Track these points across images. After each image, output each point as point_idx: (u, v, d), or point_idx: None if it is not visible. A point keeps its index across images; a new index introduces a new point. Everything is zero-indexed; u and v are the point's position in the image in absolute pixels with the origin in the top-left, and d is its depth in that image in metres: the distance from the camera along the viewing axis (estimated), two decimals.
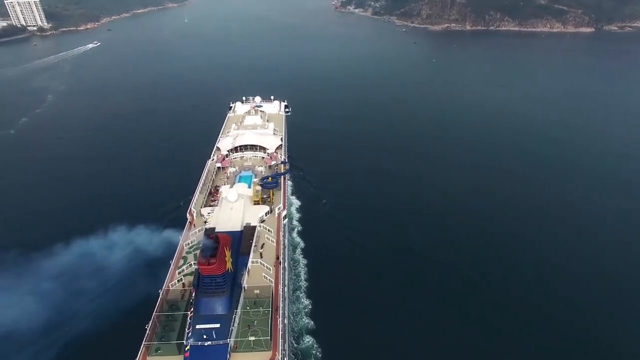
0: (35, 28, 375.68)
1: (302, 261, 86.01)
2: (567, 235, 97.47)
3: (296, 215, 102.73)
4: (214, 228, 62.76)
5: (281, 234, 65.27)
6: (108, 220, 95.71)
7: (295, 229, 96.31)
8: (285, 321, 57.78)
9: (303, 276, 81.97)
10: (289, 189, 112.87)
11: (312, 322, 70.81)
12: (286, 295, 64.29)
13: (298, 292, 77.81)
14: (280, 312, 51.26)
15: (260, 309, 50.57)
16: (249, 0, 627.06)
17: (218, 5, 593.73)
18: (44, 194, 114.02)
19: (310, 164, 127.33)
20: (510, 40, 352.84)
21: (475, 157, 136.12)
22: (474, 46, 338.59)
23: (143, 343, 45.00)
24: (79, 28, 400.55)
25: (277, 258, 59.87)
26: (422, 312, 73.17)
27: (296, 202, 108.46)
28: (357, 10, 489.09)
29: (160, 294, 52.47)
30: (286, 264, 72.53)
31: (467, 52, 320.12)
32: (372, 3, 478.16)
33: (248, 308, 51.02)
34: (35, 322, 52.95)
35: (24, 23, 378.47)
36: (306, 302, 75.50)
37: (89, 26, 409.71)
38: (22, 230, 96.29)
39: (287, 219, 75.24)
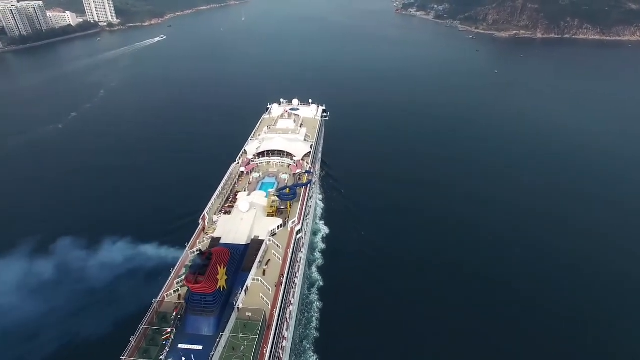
0: (105, 24, 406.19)
1: (317, 304, 77.81)
2: None
3: (320, 245, 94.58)
4: (220, 238, 60.71)
5: (290, 251, 61.52)
6: (126, 219, 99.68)
7: (316, 262, 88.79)
8: (282, 349, 54.06)
9: (314, 323, 73.85)
10: (319, 203, 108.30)
11: None
12: (289, 320, 60.63)
13: (305, 342, 71.44)
14: (271, 339, 47.46)
15: (250, 333, 47.17)
16: (306, 1, 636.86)
17: (278, 4, 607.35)
18: (71, 190, 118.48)
19: (347, 176, 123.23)
20: (589, 50, 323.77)
21: (537, 180, 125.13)
22: (545, 56, 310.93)
23: (121, 358, 43.27)
24: (143, 24, 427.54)
25: (281, 277, 56.16)
26: None
27: (324, 228, 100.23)
28: (418, 13, 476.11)
29: (154, 305, 50.65)
30: (297, 288, 68.98)
31: (535, 62, 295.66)
32: (435, 6, 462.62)
33: (239, 330, 47.85)
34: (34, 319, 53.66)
35: (96, 19, 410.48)
36: (313, 358, 68.36)
37: (153, 22, 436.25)
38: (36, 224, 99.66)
39: (302, 235, 71.38)
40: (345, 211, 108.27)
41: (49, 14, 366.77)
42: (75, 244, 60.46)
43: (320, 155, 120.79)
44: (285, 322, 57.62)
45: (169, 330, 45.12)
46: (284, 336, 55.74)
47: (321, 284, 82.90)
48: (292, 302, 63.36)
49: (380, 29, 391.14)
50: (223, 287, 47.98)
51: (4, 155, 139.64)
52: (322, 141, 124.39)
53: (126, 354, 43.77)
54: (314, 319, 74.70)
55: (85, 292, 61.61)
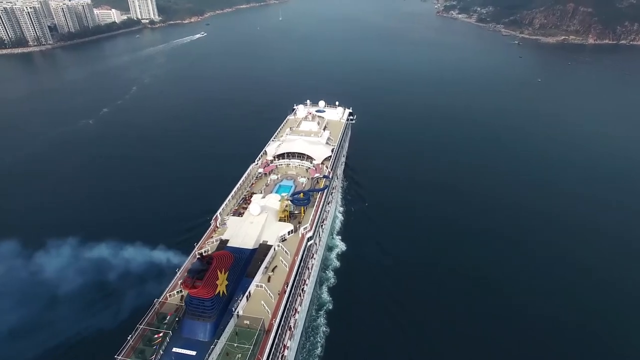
0: (147, 21, 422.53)
1: (324, 329, 73.30)
2: None
3: (334, 262, 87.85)
4: (227, 241, 60.14)
5: (298, 258, 59.95)
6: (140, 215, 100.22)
7: (328, 282, 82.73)
8: (282, 359, 52.53)
9: (319, 350, 69.43)
10: (338, 215, 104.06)
11: None
12: (293, 329, 59.02)
13: (312, 348, 69.11)
14: (268, 348, 46.00)
15: (246, 342, 45.96)
16: (348, 1, 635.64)
17: (317, 4, 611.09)
18: (85, 185, 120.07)
19: (373, 184, 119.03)
20: None
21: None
22: (596, 64, 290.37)
23: (115, 357, 43.20)
24: (183, 21, 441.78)
25: (285, 286, 54.68)
26: None
27: (340, 244, 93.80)
28: (460, 15, 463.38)
29: (156, 304, 50.52)
30: (307, 296, 67.14)
31: (585, 71, 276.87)
32: (478, 9, 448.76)
33: (235, 338, 46.78)
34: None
35: (139, 16, 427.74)
36: None
37: (192, 20, 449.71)
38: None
39: (314, 242, 69.69)
40: (367, 227, 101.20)
41: (96, 11, 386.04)
42: (89, 239, 61.78)
43: (343, 159, 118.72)
44: (289, 332, 56.13)
45: (161, 333, 44.67)
46: (285, 345, 54.21)
47: (330, 307, 77.04)
48: (298, 310, 61.77)
49: (418, 32, 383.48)
50: (223, 292, 47.05)
51: (31, 153, 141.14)
52: (346, 144, 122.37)
53: (122, 354, 43.69)
54: (318, 345, 70.56)
55: (91, 288, 62.79)
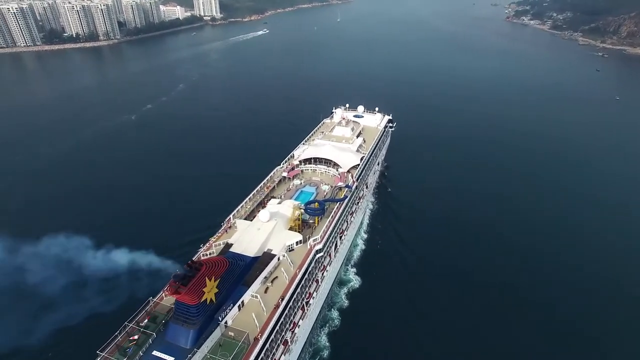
0: (209, 18, 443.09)
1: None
2: None
3: (343, 301, 78.73)
4: (232, 245, 59.48)
5: (301, 271, 57.78)
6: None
7: (330, 323, 74.21)
8: None
9: None
10: (359, 242, 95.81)
11: None
12: (291, 344, 57.02)
13: None
14: None
15: (228, 354, 44.58)
16: (415, 3, 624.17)
17: (380, 6, 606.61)
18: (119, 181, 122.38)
19: (410, 203, 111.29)
20: None
21: None
22: None
23: (97, 352, 43.65)
24: (243, 19, 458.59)
25: (280, 299, 52.79)
26: None
27: (355, 279, 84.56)
28: (532, 22, 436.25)
29: (150, 303, 50.77)
30: (311, 313, 64.76)
31: None
32: (554, 14, 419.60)
33: (218, 349, 45.67)
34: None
35: (202, 13, 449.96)
36: None
37: (252, 18, 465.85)
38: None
39: (324, 255, 67.01)
40: (393, 261, 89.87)
41: (162, 8, 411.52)
42: (103, 237, 64.26)
43: (378, 168, 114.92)
44: (283, 346, 54.23)
45: (137, 336, 44.60)
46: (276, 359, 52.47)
47: (324, 355, 69.53)
48: (299, 324, 59.66)
49: (484, 39, 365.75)
50: (211, 300, 46.18)
51: (73, 145, 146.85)
52: (382, 153, 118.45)
53: (106, 351, 44.11)
54: None
55: (88, 282, 65.23)
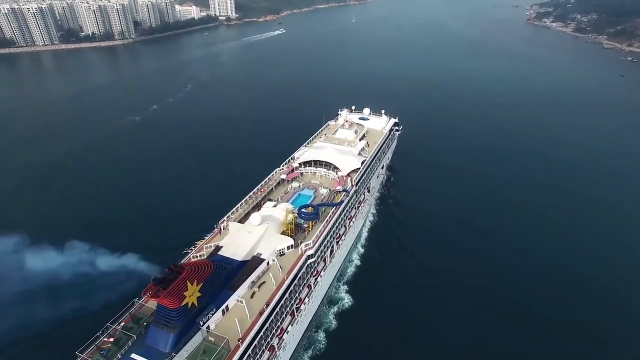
0: (224, 18, 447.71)
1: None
2: None
3: (332, 322, 74.29)
4: (221, 247, 59.30)
5: (290, 277, 57.17)
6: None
7: (315, 346, 70.01)
8: None
9: None
10: (354, 257, 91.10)
11: None
12: (278, 350, 56.45)
13: None
14: None
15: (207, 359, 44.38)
16: (433, 4, 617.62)
17: (397, 7, 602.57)
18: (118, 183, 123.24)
19: (417, 210, 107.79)
20: None
21: None
22: None
23: (76, 353, 43.90)
24: (259, 19, 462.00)
25: (265, 305, 52.23)
26: None
27: (346, 298, 79.82)
28: (554, 24, 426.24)
29: (135, 305, 50.86)
30: (302, 318, 64.03)
31: None
32: (578, 16, 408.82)
33: (197, 354, 45.40)
34: None
35: (217, 13, 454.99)
36: None
37: (268, 18, 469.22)
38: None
39: (316, 260, 66.06)
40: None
41: (177, 7, 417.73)
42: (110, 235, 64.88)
43: (382, 172, 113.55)
44: (268, 352, 53.73)
45: (111, 339, 44.65)
46: None
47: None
48: (287, 330, 59.07)
49: (503, 42, 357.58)
50: (193, 304, 45.97)
51: (76, 146, 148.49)
52: (387, 156, 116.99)
53: (85, 353, 44.28)
54: None
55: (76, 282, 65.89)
